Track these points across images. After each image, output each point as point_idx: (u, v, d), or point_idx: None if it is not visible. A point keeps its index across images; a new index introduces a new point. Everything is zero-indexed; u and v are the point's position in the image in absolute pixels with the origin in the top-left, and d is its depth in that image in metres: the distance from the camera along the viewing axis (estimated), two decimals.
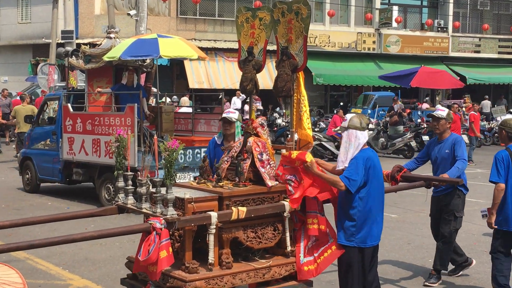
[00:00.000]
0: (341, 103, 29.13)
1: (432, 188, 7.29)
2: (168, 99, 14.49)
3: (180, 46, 11.83)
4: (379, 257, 6.08)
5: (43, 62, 24.17)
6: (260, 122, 5.94)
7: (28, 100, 20.01)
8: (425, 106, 28.39)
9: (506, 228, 6.63)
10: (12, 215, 10.92)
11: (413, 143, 21.38)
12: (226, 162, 5.82)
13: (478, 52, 34.35)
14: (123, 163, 5.62)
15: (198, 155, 11.74)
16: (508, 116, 7.69)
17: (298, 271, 5.64)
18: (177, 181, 11.78)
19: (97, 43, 16.38)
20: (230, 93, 26.03)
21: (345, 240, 5.70)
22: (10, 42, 30.37)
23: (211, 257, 5.22)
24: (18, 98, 25.01)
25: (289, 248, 5.67)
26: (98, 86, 12.41)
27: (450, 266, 7.84)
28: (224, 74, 28.51)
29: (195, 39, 28.36)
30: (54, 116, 13.79)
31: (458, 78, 32.16)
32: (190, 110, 16.05)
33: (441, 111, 7.58)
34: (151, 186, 5.27)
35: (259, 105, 24.56)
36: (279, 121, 23.08)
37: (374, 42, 31.75)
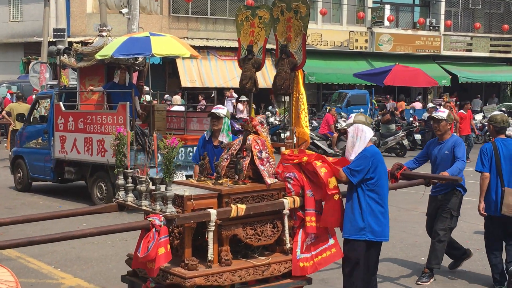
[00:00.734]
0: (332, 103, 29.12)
1: (431, 187, 7.38)
2: (148, 97, 14.50)
3: (172, 44, 11.80)
4: None
5: (35, 60, 24.06)
6: (259, 120, 5.96)
7: (23, 99, 19.93)
8: (418, 105, 28.44)
9: (488, 213, 7.27)
10: (4, 214, 10.88)
11: (405, 142, 21.41)
12: (225, 160, 5.86)
13: (470, 51, 34.42)
14: (123, 160, 5.68)
15: (191, 154, 11.72)
16: (496, 112, 7.91)
17: (293, 266, 5.67)
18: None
19: (89, 41, 16.34)
20: (221, 92, 26.00)
21: (354, 235, 5.75)
22: (1, 40, 30.22)
23: (211, 254, 5.25)
24: (8, 96, 24.95)
25: (288, 246, 5.70)
26: (90, 84, 12.37)
27: (449, 261, 7.86)
28: (217, 73, 28.48)
29: (187, 38, 28.29)
30: (46, 114, 13.74)
31: (450, 77, 32.37)
32: (182, 108, 16.03)
33: (442, 113, 7.64)
34: (150, 184, 5.32)
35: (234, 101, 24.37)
36: (271, 119, 23.08)
37: (366, 40, 31.79)
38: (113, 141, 5.76)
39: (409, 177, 6.83)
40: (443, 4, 33.37)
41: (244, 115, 24.46)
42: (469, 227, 10.01)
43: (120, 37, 12.41)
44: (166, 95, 23.09)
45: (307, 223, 5.67)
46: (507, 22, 34.56)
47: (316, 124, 22.26)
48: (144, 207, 5.28)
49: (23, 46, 29.18)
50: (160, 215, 4.97)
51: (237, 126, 22.84)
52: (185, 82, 27.24)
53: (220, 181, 5.61)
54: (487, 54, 34.77)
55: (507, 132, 17.10)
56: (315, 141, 19.81)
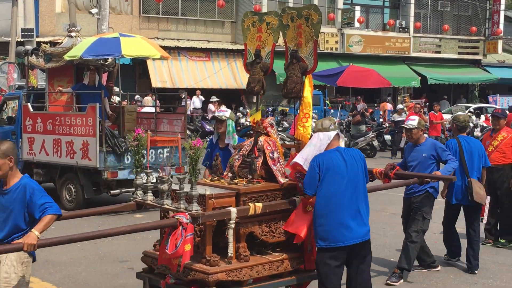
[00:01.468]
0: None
1: (404, 189, 7.52)
2: (118, 98, 14.42)
3: (142, 45, 11.75)
4: None
5: (3, 60, 23.76)
6: (269, 122, 6.17)
7: None
8: (388, 106, 28.68)
9: (450, 200, 8.32)
10: None
11: (375, 143, 21.57)
12: (237, 160, 6.07)
13: (439, 52, 34.78)
14: (141, 161, 5.92)
15: (161, 155, 11.67)
16: (459, 113, 8.63)
17: (306, 260, 5.95)
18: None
19: (58, 41, 16.14)
20: (191, 93, 25.92)
21: (322, 242, 5.71)
22: None
23: (231, 251, 5.49)
24: None
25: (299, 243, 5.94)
26: (59, 85, 12.25)
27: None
28: (188, 74, 28.40)
29: (157, 38, 28.17)
30: (13, 115, 13.56)
31: (420, 78, 32.67)
32: (152, 109, 15.94)
33: (412, 121, 7.80)
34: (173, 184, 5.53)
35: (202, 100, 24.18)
36: (242, 120, 23.06)
37: (336, 42, 31.94)
38: (131, 142, 5.98)
39: (403, 177, 6.97)
40: (412, 6, 33.66)
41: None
42: (438, 228, 10.09)
43: (89, 37, 12.31)
44: (136, 96, 22.96)
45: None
46: (475, 24, 35.00)
47: (287, 125, 22.30)
48: (166, 206, 5.47)
49: None
50: (187, 213, 5.17)
51: (208, 127, 22.81)
52: (156, 83, 27.11)
53: (236, 181, 5.85)
54: (455, 56, 35.16)
55: (475, 133, 17.30)
56: (286, 142, 19.81)
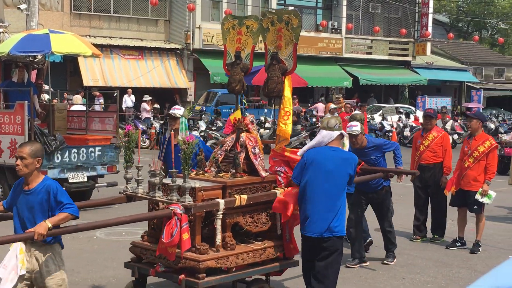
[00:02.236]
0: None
1: (363, 184, 8.13)
2: (47, 96, 14.13)
3: (73, 42, 11.53)
4: None
5: None
6: (250, 120, 6.65)
7: None
8: (320, 106, 28.99)
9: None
10: None
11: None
12: (220, 155, 6.55)
13: (370, 53, 35.40)
14: (131, 156, 6.26)
15: (93, 154, 11.50)
16: (356, 112, 9.73)
17: (286, 248, 6.50)
18: (70, 181, 11.48)
19: None
20: (124, 92, 25.61)
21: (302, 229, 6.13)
22: None
23: (219, 240, 5.96)
24: None
25: (279, 231, 6.49)
26: None
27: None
28: (120, 72, 28.04)
29: (89, 36, 27.72)
30: None
31: (352, 78, 33.20)
32: (83, 108, 15.68)
33: (355, 127, 8.14)
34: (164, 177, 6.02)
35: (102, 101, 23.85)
36: None
37: (260, 41, 32.05)
38: (122, 138, 6.26)
39: (368, 172, 7.52)
40: (344, 8, 34.16)
41: (149, 115, 24.19)
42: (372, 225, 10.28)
43: (18, 33, 12.01)
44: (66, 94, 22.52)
45: (294, 210, 6.26)
46: (405, 27, 35.78)
47: (221, 125, 22.30)
48: (158, 198, 5.92)
49: None
50: (180, 205, 5.61)
51: (141, 126, 22.56)
52: (88, 81, 26.66)
53: (221, 175, 6.34)
54: (386, 57, 35.86)
55: (405, 133, 17.81)
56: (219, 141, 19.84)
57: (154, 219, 6.20)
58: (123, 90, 24.80)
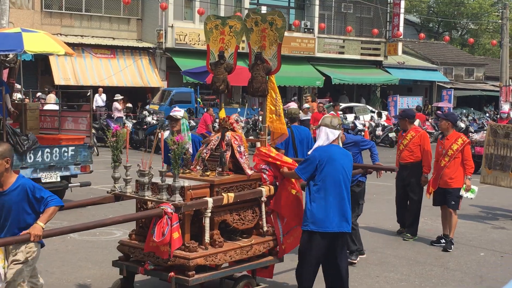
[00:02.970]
0: (211, 102, 29.23)
1: None
2: (19, 95, 13.98)
3: (45, 41, 11.41)
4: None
5: None
6: (235, 119, 6.77)
7: None
8: (293, 105, 29.05)
9: None
10: None
11: None
12: (205, 154, 6.65)
13: (342, 53, 35.59)
14: (119, 156, 6.31)
15: (66, 154, 11.41)
16: (293, 106, 10.61)
17: (280, 248, 6.71)
18: (43, 181, 11.38)
19: None
20: (96, 91, 25.44)
21: (302, 226, 6.36)
22: None
23: (207, 237, 6.08)
24: None
25: (265, 228, 6.65)
26: None
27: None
28: (92, 71, 27.83)
29: (60, 34, 27.48)
30: None
31: (324, 78, 33.36)
32: (56, 107, 15.54)
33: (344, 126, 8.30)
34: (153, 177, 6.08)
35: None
36: (149, 119, 22.83)
37: (243, 41, 32.09)
38: (110, 138, 6.29)
39: None
40: (317, 8, 34.29)
41: (121, 114, 24.05)
42: None
43: None
44: (39, 93, 22.29)
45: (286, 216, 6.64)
46: (377, 27, 36.03)
47: (194, 124, 22.27)
48: (147, 197, 6.01)
49: None
50: (170, 204, 5.70)
51: (113, 125, 22.42)
52: (59, 80, 26.41)
53: (208, 173, 6.44)
54: (358, 57, 36.08)
55: (377, 132, 18.05)
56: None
57: (146, 218, 6.23)
58: (94, 89, 24.62)
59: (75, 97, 25.20)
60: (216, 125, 20.94)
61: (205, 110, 22.25)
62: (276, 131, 7.13)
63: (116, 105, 24.28)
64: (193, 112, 24.46)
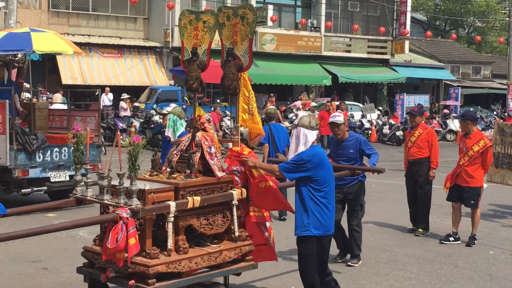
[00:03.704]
0: (218, 100, 29.25)
1: (337, 180, 7.99)
2: (28, 95, 14.02)
3: (54, 40, 11.47)
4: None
5: None
6: (206, 118, 6.45)
7: None
8: (299, 103, 29.08)
9: None
10: None
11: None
12: (175, 155, 6.31)
13: (349, 51, 35.54)
14: (81, 157, 6.10)
15: None
16: (271, 107, 11.17)
17: (272, 253, 6.63)
18: (52, 180, 11.42)
19: None
20: (103, 90, 25.48)
21: (301, 231, 6.05)
22: None
23: (170, 243, 5.74)
24: None
25: (236, 233, 6.29)
26: None
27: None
28: (99, 70, 27.90)
29: (68, 34, 27.55)
30: None
31: (331, 76, 33.32)
32: (64, 106, 15.60)
33: (339, 117, 8.21)
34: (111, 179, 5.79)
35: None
36: (156, 118, 22.84)
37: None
38: (71, 139, 6.11)
39: (335, 169, 7.23)
40: (323, 6, 34.26)
41: (128, 113, 24.10)
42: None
43: None
44: (44, 91, 22.36)
45: (250, 212, 6.36)
46: (383, 25, 35.99)
47: None
48: (106, 201, 5.72)
49: None
50: (127, 208, 5.39)
51: (121, 124, 22.47)
52: (66, 79, 26.50)
53: (174, 175, 6.10)
54: (365, 55, 36.02)
55: (384, 131, 18.12)
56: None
57: (99, 224, 5.91)
58: (101, 89, 24.67)
59: (82, 96, 25.30)
60: (223, 124, 21.14)
61: (212, 109, 22.26)
62: (251, 131, 6.91)
63: (122, 104, 24.34)
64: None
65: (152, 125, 22.37)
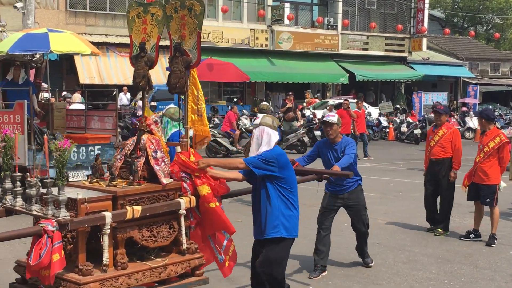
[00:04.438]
0: (235, 99, 29.27)
1: (325, 184, 7.79)
2: (46, 95, 14.07)
3: (71, 40, 11.53)
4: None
5: None
6: (153, 119, 5.87)
7: None
8: (314, 101, 29.03)
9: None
10: None
11: (306, 139, 21.81)
12: (119, 160, 5.67)
13: (366, 49, 35.43)
14: (10, 163, 5.45)
15: (92, 153, 11.47)
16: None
17: (222, 269, 5.96)
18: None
19: None
20: (119, 90, 25.57)
21: (270, 233, 5.78)
22: None
23: (106, 258, 5.12)
24: None
25: (185, 246, 5.66)
26: None
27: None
28: (116, 70, 27.98)
29: (85, 34, 27.64)
30: None
31: (348, 74, 33.20)
32: (82, 106, 15.65)
33: (332, 117, 7.84)
34: (41, 187, 5.14)
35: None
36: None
37: (266, 38, 32.11)
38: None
39: (302, 173, 6.91)
40: (340, 4, 34.17)
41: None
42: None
43: (16, 32, 11.98)
44: (64, 93, 22.47)
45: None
46: (401, 22, 35.82)
47: (219, 122, 22.29)
48: (34, 212, 5.07)
49: None
50: (53, 220, 4.77)
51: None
52: (84, 79, 26.60)
53: (115, 182, 5.46)
54: (382, 53, 35.89)
55: (402, 129, 17.99)
56: (218, 139, 19.86)
57: (21, 238, 5.14)
58: (119, 88, 24.75)
59: (99, 96, 25.40)
60: (240, 123, 21.11)
61: (229, 107, 22.24)
62: (198, 133, 6.26)
63: (139, 103, 24.38)
64: (217, 110, 24.41)
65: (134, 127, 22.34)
